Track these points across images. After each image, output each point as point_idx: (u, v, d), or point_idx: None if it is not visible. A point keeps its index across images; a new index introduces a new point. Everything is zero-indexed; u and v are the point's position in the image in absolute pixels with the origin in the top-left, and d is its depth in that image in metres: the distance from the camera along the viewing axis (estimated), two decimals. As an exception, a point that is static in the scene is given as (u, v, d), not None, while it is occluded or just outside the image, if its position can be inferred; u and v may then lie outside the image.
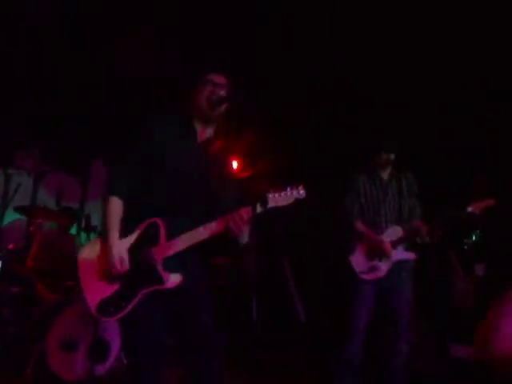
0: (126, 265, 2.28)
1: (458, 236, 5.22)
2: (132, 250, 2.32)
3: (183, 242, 2.30)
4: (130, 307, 2.26)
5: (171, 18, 4.20)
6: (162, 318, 2.40)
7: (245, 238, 2.27)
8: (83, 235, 5.16)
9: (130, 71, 4.90)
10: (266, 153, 6.45)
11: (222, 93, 2.46)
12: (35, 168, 6.89)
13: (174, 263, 2.31)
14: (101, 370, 3.88)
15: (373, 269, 3.43)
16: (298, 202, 2.30)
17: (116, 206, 2.37)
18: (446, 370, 4.22)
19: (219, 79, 2.51)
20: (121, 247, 2.30)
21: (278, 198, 2.26)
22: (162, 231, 2.32)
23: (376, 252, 3.43)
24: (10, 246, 5.15)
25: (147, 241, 2.32)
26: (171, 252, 2.30)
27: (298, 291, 5.26)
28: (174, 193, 2.39)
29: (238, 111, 2.58)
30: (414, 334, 3.98)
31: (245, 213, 2.24)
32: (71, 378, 3.79)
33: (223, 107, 2.49)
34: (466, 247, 5.27)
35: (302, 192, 2.29)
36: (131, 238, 2.34)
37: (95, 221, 5.20)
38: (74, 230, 5.94)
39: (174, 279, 2.29)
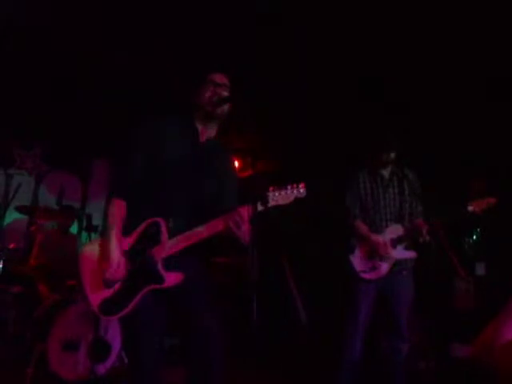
0: (122, 272, 2.27)
1: (459, 235, 5.22)
2: (133, 249, 2.32)
3: (184, 241, 2.30)
4: (131, 306, 2.26)
5: (171, 18, 4.20)
6: (164, 317, 2.41)
7: (245, 237, 2.26)
8: (84, 235, 5.16)
9: (132, 70, 4.90)
10: (266, 152, 6.46)
11: (224, 93, 2.46)
12: (36, 168, 6.91)
13: (174, 262, 2.31)
14: (101, 369, 3.89)
15: (373, 268, 3.43)
16: (298, 200, 2.30)
17: (118, 208, 2.37)
18: (446, 370, 4.23)
19: (221, 79, 2.51)
20: (119, 253, 2.28)
21: (279, 197, 2.27)
22: (163, 230, 2.32)
23: (376, 252, 3.43)
24: (11, 246, 5.17)
25: (148, 240, 2.32)
26: (172, 251, 2.30)
27: (299, 291, 5.26)
28: (175, 192, 2.39)
29: (239, 111, 2.58)
30: (414, 333, 3.98)
31: (245, 211, 2.23)
32: (72, 377, 3.81)
33: (225, 107, 2.48)
34: (466, 246, 5.28)
35: (302, 191, 2.29)
36: (132, 237, 2.34)
37: (96, 220, 5.20)
38: (74, 229, 5.96)
39: (174, 278, 2.30)
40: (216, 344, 2.34)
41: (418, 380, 4.07)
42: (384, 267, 3.41)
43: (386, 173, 3.61)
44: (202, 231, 2.29)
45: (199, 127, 2.51)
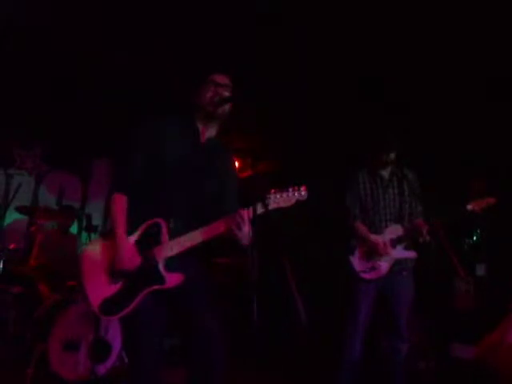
0: (136, 261, 2.28)
1: (459, 236, 5.22)
2: (138, 254, 2.32)
3: (185, 242, 2.31)
4: (131, 306, 2.26)
5: (171, 18, 4.20)
6: (164, 318, 2.41)
7: (246, 238, 2.26)
8: (84, 235, 5.17)
9: (132, 70, 4.90)
10: (267, 152, 6.46)
11: (226, 93, 2.46)
12: (36, 168, 6.91)
13: (175, 263, 2.31)
14: (102, 369, 3.89)
15: (373, 268, 3.43)
16: (299, 202, 2.30)
17: (122, 202, 2.38)
18: (446, 370, 4.23)
19: (222, 79, 2.51)
20: (130, 244, 2.30)
21: (280, 199, 2.27)
22: (164, 231, 2.32)
23: (375, 253, 3.44)
24: (12, 246, 5.18)
25: (149, 240, 2.33)
26: (173, 252, 2.30)
27: (299, 291, 5.27)
28: (176, 192, 2.39)
29: (239, 111, 2.58)
30: (414, 333, 3.98)
31: (246, 214, 2.23)
32: (72, 377, 3.81)
33: (226, 107, 2.49)
34: (466, 247, 5.28)
35: (303, 193, 2.30)
36: (133, 238, 2.34)
37: (96, 221, 5.21)
38: (74, 229, 5.96)
39: (175, 279, 2.30)
40: (217, 345, 2.35)
41: (418, 380, 4.07)
42: (384, 267, 3.42)
43: (385, 173, 3.61)
44: (203, 233, 2.30)
45: (200, 127, 2.51)
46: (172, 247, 2.31)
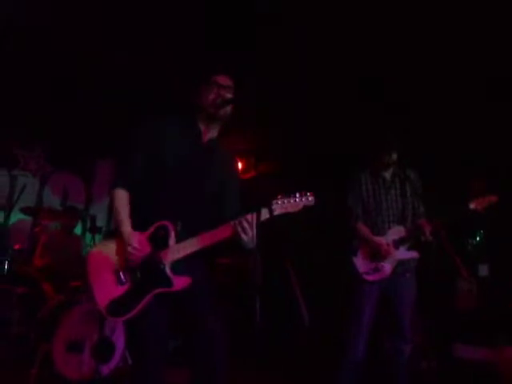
0: (144, 250, 2.30)
1: (462, 236, 5.22)
2: (148, 244, 2.33)
3: (192, 245, 2.31)
4: (138, 308, 2.27)
5: (171, 18, 4.19)
6: (166, 320, 2.42)
7: (251, 242, 2.26)
8: (88, 236, 5.19)
9: (132, 70, 4.91)
10: (270, 153, 6.47)
11: (228, 94, 2.47)
12: (40, 169, 6.94)
13: (181, 266, 2.32)
14: (106, 369, 3.91)
15: (376, 269, 3.43)
16: (306, 208, 2.30)
17: (123, 197, 2.39)
18: (448, 370, 4.23)
19: (225, 80, 2.52)
20: (136, 233, 2.31)
21: (287, 205, 2.27)
22: (172, 234, 2.33)
23: (378, 254, 3.44)
24: (16, 247, 5.21)
25: (156, 243, 2.34)
26: (180, 255, 2.31)
27: (302, 292, 5.28)
28: (177, 193, 2.40)
29: (241, 112, 2.59)
30: (416, 333, 3.99)
31: (251, 218, 2.23)
32: (76, 377, 3.82)
33: (228, 109, 2.49)
34: (469, 247, 5.28)
35: (310, 199, 2.30)
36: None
37: (100, 222, 5.22)
38: (79, 231, 5.98)
39: (182, 282, 2.31)
40: (219, 347, 2.36)
41: (420, 380, 4.07)
42: (387, 268, 3.41)
43: (387, 174, 3.62)
44: (209, 236, 2.31)
45: (201, 128, 2.52)
46: (179, 250, 2.31)
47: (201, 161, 2.46)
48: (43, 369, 3.88)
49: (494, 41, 3.99)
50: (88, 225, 5.31)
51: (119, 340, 4.01)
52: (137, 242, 2.29)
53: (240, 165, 5.55)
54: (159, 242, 2.33)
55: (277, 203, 2.26)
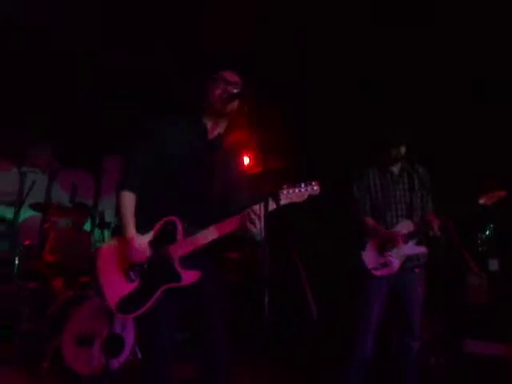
0: (146, 253, 2.31)
1: (472, 230, 5.18)
2: (150, 248, 2.34)
3: (200, 239, 2.32)
4: (148, 305, 2.29)
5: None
6: (175, 314, 2.43)
7: (259, 234, 2.26)
8: (97, 232, 5.21)
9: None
10: (277, 148, 6.44)
11: (235, 90, 2.46)
12: (48, 165, 6.98)
13: (190, 260, 2.33)
14: (115, 363, 3.94)
15: (385, 264, 3.41)
16: (312, 198, 2.30)
17: (128, 199, 2.39)
18: (458, 366, 4.21)
19: (231, 77, 2.51)
20: (139, 237, 2.32)
21: (292, 195, 2.27)
22: (180, 229, 2.34)
23: (387, 245, 3.42)
24: (26, 243, 5.24)
25: (164, 238, 2.34)
26: (188, 250, 2.32)
27: (311, 286, 5.27)
28: (187, 190, 2.41)
29: (249, 107, 2.58)
30: (425, 329, 3.96)
31: (258, 210, 2.23)
32: (86, 371, 3.86)
33: (235, 104, 2.49)
34: (479, 242, 5.24)
35: (316, 188, 2.30)
36: (148, 236, 2.36)
37: (109, 217, 5.24)
38: (88, 226, 6.01)
39: (191, 277, 2.31)
40: (222, 346, 2.39)
41: (429, 376, 4.05)
42: (395, 264, 3.39)
43: (395, 169, 3.59)
44: (217, 229, 2.31)
45: (208, 124, 2.52)
46: (187, 245, 2.32)
47: (208, 157, 2.46)
48: (54, 363, 3.92)
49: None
50: (97, 221, 5.32)
51: (129, 335, 4.04)
52: (138, 246, 2.30)
53: (248, 160, 5.53)
54: (167, 237, 2.34)
55: (282, 193, 2.26)
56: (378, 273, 3.41)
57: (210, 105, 2.49)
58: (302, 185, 2.28)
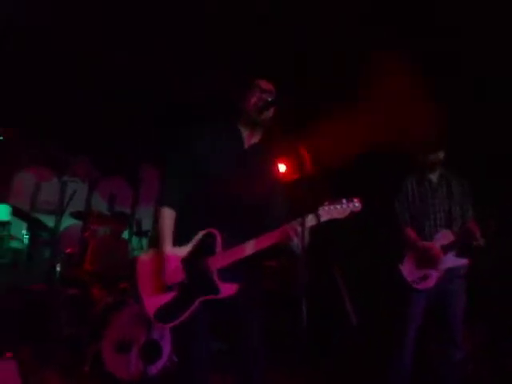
0: (180, 275, 2.33)
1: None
2: (188, 260, 2.36)
3: (239, 252, 2.32)
4: (185, 315, 2.31)
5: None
6: (208, 324, 2.43)
7: (300, 247, 2.24)
8: (135, 240, 5.30)
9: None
10: (313, 156, 6.40)
11: (269, 98, 2.48)
12: (88, 175, 7.16)
13: (228, 272, 2.33)
14: (153, 370, 3.98)
15: (424, 278, 3.33)
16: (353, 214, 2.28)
17: (168, 216, 2.42)
18: (501, 377, 4.08)
19: (266, 85, 2.54)
20: (174, 257, 2.35)
21: (334, 211, 2.26)
22: (218, 241, 2.35)
23: (426, 260, 3.34)
24: (67, 250, 5.37)
25: (203, 251, 2.36)
26: (227, 262, 2.33)
27: (349, 295, 5.21)
28: (225, 201, 2.42)
29: (286, 115, 2.59)
30: (467, 339, 3.86)
31: (299, 224, 2.22)
32: (125, 377, 3.91)
33: (270, 112, 2.51)
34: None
35: (357, 205, 2.28)
36: (187, 248, 2.38)
37: (146, 225, 5.32)
38: (126, 235, 6.12)
39: (229, 289, 2.32)
40: (259, 356, 2.40)
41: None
42: (435, 276, 3.31)
43: (434, 177, 3.52)
44: (257, 243, 2.31)
45: (244, 133, 2.54)
46: (226, 257, 2.33)
47: (244, 168, 2.47)
48: (94, 367, 3.99)
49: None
50: (134, 229, 5.41)
51: (166, 342, 4.08)
52: (172, 266, 2.33)
53: (284, 167, 5.54)
54: (206, 249, 2.36)
55: (323, 209, 2.26)
56: (417, 286, 3.33)
57: (245, 113, 2.52)
58: (344, 201, 2.27)
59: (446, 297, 3.35)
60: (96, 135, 6.54)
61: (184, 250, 2.37)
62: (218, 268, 2.33)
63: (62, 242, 5.88)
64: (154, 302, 2.34)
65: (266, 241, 2.31)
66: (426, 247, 3.34)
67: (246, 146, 2.54)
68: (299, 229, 2.20)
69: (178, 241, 2.39)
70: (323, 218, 2.25)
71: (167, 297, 2.34)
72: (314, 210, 2.25)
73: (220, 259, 2.33)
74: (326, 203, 2.27)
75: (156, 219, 2.50)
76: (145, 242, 5.17)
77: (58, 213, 5.89)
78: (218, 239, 2.35)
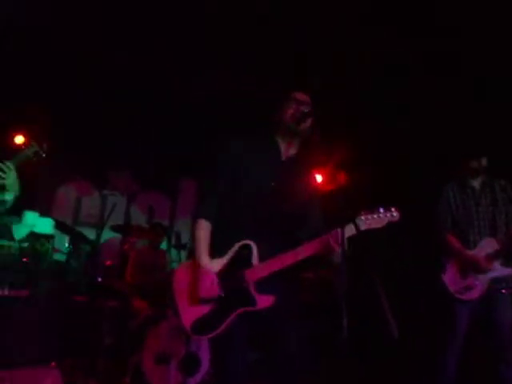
0: (217, 287, 2.33)
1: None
2: (225, 272, 2.36)
3: (276, 264, 2.32)
4: (222, 327, 2.30)
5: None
6: (248, 336, 2.43)
7: (339, 257, 2.23)
8: (173, 252, 5.36)
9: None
10: (350, 166, 6.33)
11: (306, 109, 2.50)
12: (127, 188, 7.29)
13: (264, 284, 2.33)
14: (192, 382, 3.99)
15: (468, 288, 3.23)
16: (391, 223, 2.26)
17: (204, 228, 2.44)
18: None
19: (302, 97, 2.57)
20: (211, 269, 2.35)
21: (372, 221, 2.26)
22: (255, 253, 2.35)
23: (469, 269, 3.23)
24: (108, 263, 5.47)
25: (240, 262, 2.36)
26: (264, 274, 2.32)
27: (390, 307, 5.10)
28: (263, 213, 2.42)
29: (323, 125, 2.58)
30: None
31: (339, 235, 2.20)
32: (166, 389, 3.94)
33: (307, 123, 2.52)
34: None
35: (395, 215, 2.28)
36: (224, 260, 2.38)
37: (185, 238, 5.37)
38: (164, 246, 6.19)
39: (265, 301, 2.31)
40: (296, 368, 2.36)
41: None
42: (480, 287, 3.21)
43: (476, 183, 3.43)
44: (295, 254, 2.31)
45: (282, 145, 2.56)
46: (262, 269, 2.32)
47: (282, 180, 2.47)
48: (135, 378, 4.03)
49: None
50: (173, 241, 5.47)
51: (204, 355, 4.08)
52: (207, 281, 2.33)
53: (321, 177, 5.49)
54: (243, 261, 2.35)
55: (361, 219, 2.26)
56: (461, 297, 3.24)
57: (283, 125, 2.53)
58: (381, 210, 2.27)
59: (493, 309, 3.23)
60: (137, 150, 6.63)
61: (220, 262, 2.38)
62: (255, 280, 2.32)
63: (103, 254, 5.99)
64: (190, 314, 2.35)
65: (306, 251, 2.30)
66: (473, 256, 3.24)
67: (284, 157, 2.55)
68: (340, 238, 2.18)
69: (215, 253, 2.40)
70: (362, 228, 2.24)
71: (204, 309, 2.34)
72: (351, 220, 2.23)
73: (256, 271, 2.33)
74: (364, 212, 2.27)
75: (192, 231, 2.51)
76: (183, 254, 5.20)
77: (99, 226, 6.01)
78: (255, 251, 2.35)
